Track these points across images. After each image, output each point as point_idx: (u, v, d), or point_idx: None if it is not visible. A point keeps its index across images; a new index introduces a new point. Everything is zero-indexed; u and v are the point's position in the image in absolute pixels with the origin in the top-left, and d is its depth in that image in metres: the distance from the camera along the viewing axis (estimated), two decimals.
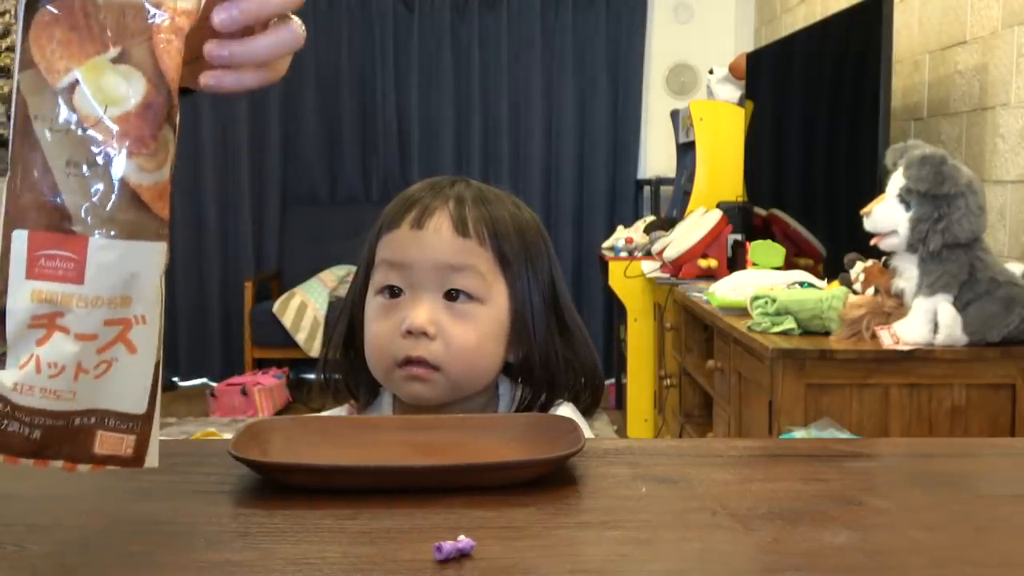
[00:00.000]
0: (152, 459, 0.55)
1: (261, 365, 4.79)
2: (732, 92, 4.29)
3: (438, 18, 5.14)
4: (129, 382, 0.54)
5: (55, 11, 0.51)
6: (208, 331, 5.20)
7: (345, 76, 5.18)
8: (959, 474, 0.79)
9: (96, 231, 0.52)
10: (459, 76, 5.18)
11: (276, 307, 4.68)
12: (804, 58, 3.23)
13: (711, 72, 4.44)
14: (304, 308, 4.68)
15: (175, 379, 5.22)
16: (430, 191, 0.96)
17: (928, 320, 1.94)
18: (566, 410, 0.99)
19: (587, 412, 1.01)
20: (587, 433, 0.98)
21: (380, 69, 5.17)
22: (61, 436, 0.53)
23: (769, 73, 3.60)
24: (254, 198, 5.20)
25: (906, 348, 1.96)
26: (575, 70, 5.18)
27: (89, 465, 0.55)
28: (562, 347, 0.98)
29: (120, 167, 0.52)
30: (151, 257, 0.54)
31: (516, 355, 0.97)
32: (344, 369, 1.02)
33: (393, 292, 0.94)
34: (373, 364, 0.96)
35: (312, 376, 5.22)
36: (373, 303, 0.96)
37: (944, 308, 1.92)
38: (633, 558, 0.59)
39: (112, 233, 0.52)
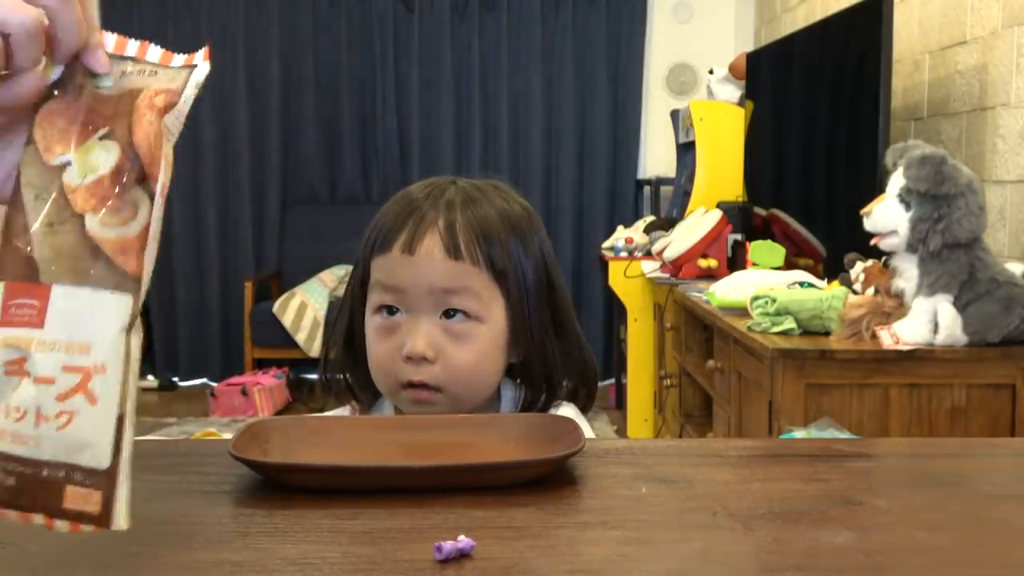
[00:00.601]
0: (120, 520, 0.55)
1: (261, 365, 4.79)
2: (732, 92, 4.29)
3: (438, 19, 5.14)
4: (91, 435, 0.55)
5: (63, 103, 0.59)
6: (208, 331, 5.20)
7: (345, 77, 5.18)
8: (959, 474, 0.79)
9: (59, 280, 0.56)
10: (459, 77, 5.18)
11: (276, 307, 4.68)
12: (804, 58, 3.23)
13: (711, 72, 4.44)
14: (304, 308, 4.68)
15: (175, 379, 5.22)
16: (424, 199, 0.95)
17: (928, 320, 1.94)
18: (567, 411, 0.99)
19: (583, 409, 1.01)
20: (588, 432, 0.98)
21: (380, 70, 5.17)
22: (34, 486, 0.55)
23: (769, 73, 3.60)
24: (254, 198, 5.20)
25: (906, 348, 1.96)
26: (575, 70, 5.18)
27: (67, 523, 0.55)
28: (558, 343, 0.98)
29: (87, 224, 0.57)
30: (111, 306, 0.57)
31: (516, 357, 0.97)
32: (345, 371, 1.02)
33: (391, 311, 0.94)
34: (379, 382, 0.97)
35: (312, 376, 5.22)
36: (372, 322, 0.96)
37: (944, 308, 1.92)
38: (633, 558, 0.59)
39: (72, 281, 0.56)
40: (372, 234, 0.97)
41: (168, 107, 0.59)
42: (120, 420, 0.56)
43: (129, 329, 0.57)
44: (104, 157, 0.58)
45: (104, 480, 0.55)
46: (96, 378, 0.56)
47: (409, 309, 0.93)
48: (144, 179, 0.59)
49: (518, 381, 1.00)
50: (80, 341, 0.56)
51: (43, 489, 0.55)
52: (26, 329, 0.56)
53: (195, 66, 0.60)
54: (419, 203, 0.96)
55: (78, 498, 0.55)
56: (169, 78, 0.60)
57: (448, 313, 0.93)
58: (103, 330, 0.56)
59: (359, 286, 0.99)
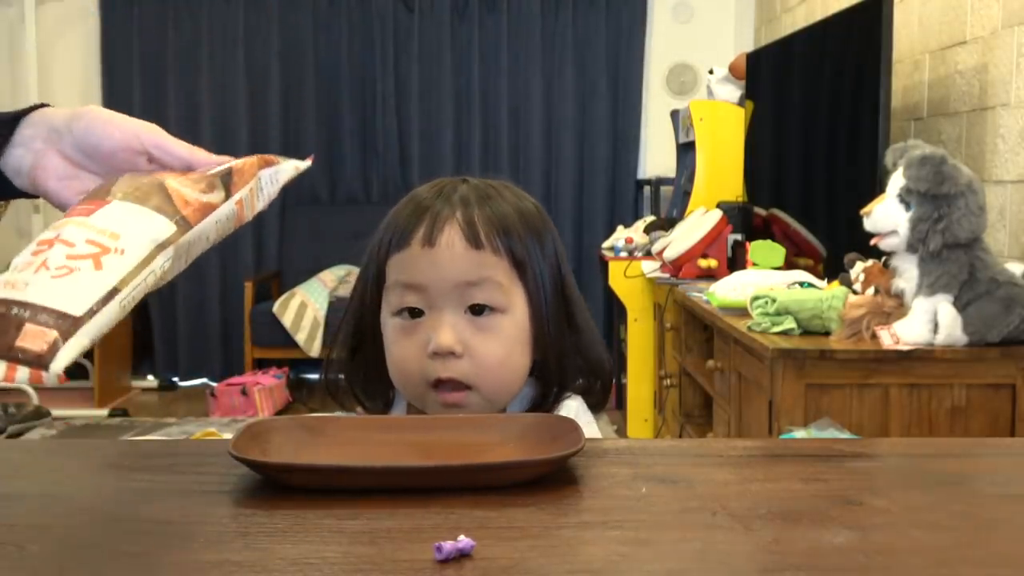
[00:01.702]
0: (58, 365, 0.57)
1: (261, 365, 4.79)
2: (732, 92, 4.29)
3: (438, 19, 5.14)
4: (81, 289, 0.60)
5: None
6: (208, 331, 5.20)
7: (345, 77, 5.18)
8: (959, 474, 0.79)
9: (122, 200, 0.67)
10: (459, 76, 5.18)
11: (276, 307, 4.68)
12: (804, 58, 3.23)
13: (711, 72, 4.44)
14: (304, 308, 4.68)
15: (175, 379, 5.22)
16: (435, 198, 0.94)
17: (928, 320, 1.94)
18: (573, 404, 0.98)
19: (598, 406, 1.00)
20: (594, 428, 0.98)
21: (380, 70, 5.17)
22: None
23: (769, 73, 3.60)
24: None
25: (906, 348, 1.96)
26: (575, 70, 5.18)
27: (2, 365, 0.57)
28: (572, 339, 0.97)
29: (167, 181, 0.71)
30: (154, 223, 0.66)
31: (537, 354, 0.96)
32: (351, 376, 1.00)
33: (413, 313, 0.92)
34: (403, 386, 0.95)
35: (312, 376, 5.22)
36: (392, 324, 0.94)
37: (944, 308, 1.92)
38: (633, 558, 0.59)
39: (133, 201, 0.66)
40: (386, 235, 0.95)
41: (268, 164, 0.77)
42: (113, 292, 0.61)
43: (161, 248, 0.65)
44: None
45: (68, 325, 0.58)
46: (112, 256, 0.62)
47: (433, 307, 0.91)
48: (229, 187, 0.73)
49: (534, 377, 0.98)
50: (113, 230, 0.64)
51: (1, 322, 0.57)
52: (75, 217, 0.64)
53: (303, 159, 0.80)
54: (432, 200, 0.94)
55: (32, 336, 0.57)
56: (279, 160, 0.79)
57: (474, 309, 0.91)
58: (137, 232, 0.64)
59: (372, 289, 0.96)
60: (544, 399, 0.97)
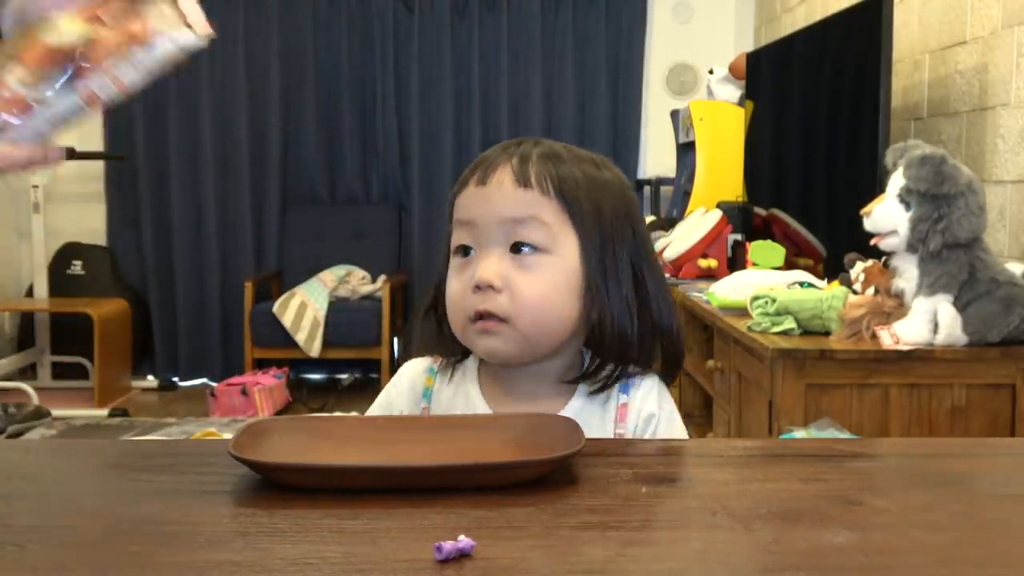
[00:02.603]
0: None
1: (261, 365, 4.79)
2: (732, 92, 4.29)
3: (438, 18, 5.14)
4: None
5: None
6: (208, 331, 5.20)
7: (345, 76, 5.18)
8: (959, 474, 0.79)
9: None
10: (459, 76, 5.18)
11: (276, 307, 4.68)
12: (804, 58, 3.23)
13: (711, 72, 4.44)
14: (304, 308, 4.68)
15: (175, 379, 5.22)
16: (500, 150, 0.97)
17: (928, 320, 1.94)
18: (652, 387, 0.97)
19: (667, 378, 0.99)
20: (676, 419, 0.97)
21: (380, 69, 5.17)
22: None
23: (769, 73, 3.60)
24: (254, 198, 5.19)
25: (906, 348, 1.96)
26: (575, 70, 5.18)
27: None
28: (638, 312, 0.95)
29: None
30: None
31: (591, 316, 0.94)
32: (429, 330, 1.02)
33: (466, 251, 0.95)
34: (452, 322, 0.96)
35: (313, 376, 5.22)
36: (452, 263, 0.97)
37: (944, 308, 1.92)
38: (633, 558, 0.59)
39: None
40: (456, 184, 0.99)
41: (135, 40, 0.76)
42: None
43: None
44: None
45: None
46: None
47: (480, 244, 0.93)
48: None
49: (588, 346, 0.97)
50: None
51: None
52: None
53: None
54: (498, 148, 0.97)
55: None
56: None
57: (517, 248, 0.92)
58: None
59: (446, 241, 0.99)
60: (600, 367, 0.96)
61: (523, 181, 0.92)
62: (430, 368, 1.02)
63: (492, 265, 0.92)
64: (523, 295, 0.91)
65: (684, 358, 1.00)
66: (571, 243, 0.93)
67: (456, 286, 0.95)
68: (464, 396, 0.99)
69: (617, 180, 0.98)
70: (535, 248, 0.92)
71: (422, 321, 1.02)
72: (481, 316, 0.92)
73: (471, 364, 1.01)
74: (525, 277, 0.91)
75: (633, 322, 0.94)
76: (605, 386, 0.96)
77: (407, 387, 1.03)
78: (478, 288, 0.92)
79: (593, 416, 0.96)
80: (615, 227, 0.95)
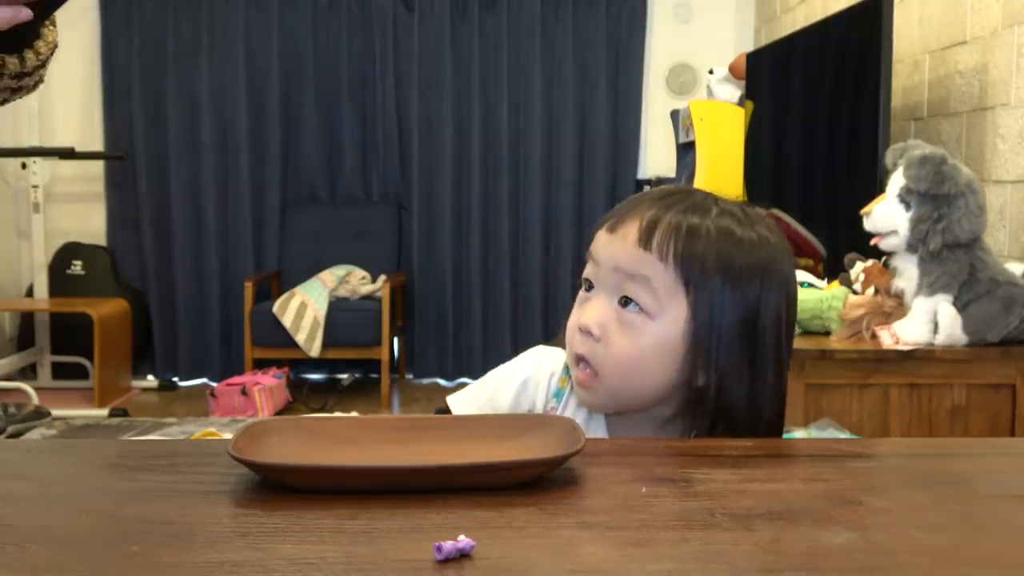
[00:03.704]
0: None
1: (261, 365, 4.79)
2: (732, 92, 4.29)
3: (438, 18, 5.14)
4: None
5: None
6: (208, 331, 5.20)
7: (345, 76, 5.18)
8: (959, 474, 0.79)
9: None
10: (459, 76, 5.18)
11: (276, 307, 4.68)
12: (804, 58, 3.23)
13: (711, 72, 4.44)
14: (304, 308, 4.68)
15: (175, 379, 5.22)
16: (650, 196, 0.97)
17: (928, 320, 1.94)
18: None
19: None
20: None
21: (380, 69, 5.17)
22: None
23: (769, 73, 3.59)
24: (254, 198, 5.19)
25: (906, 348, 1.96)
26: (575, 70, 5.18)
27: None
28: (748, 386, 0.92)
29: None
30: None
31: (699, 380, 0.92)
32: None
33: (589, 286, 0.97)
34: (566, 353, 0.99)
35: (313, 376, 5.22)
36: (580, 294, 0.99)
37: (944, 308, 1.92)
38: (633, 558, 0.59)
39: None
40: (607, 214, 1.00)
41: None
42: None
43: None
44: None
45: None
46: None
47: (598, 284, 0.95)
48: None
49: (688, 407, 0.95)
50: None
51: None
52: None
53: None
54: (648, 196, 0.97)
55: None
56: None
57: (624, 301, 0.93)
58: None
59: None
60: (699, 436, 0.94)
61: (645, 242, 0.92)
62: (566, 366, 1.02)
63: (597, 311, 0.94)
64: (614, 353, 0.92)
65: (778, 433, 0.97)
66: (678, 311, 0.91)
67: (571, 320, 0.98)
68: (585, 411, 1.00)
69: (758, 246, 0.93)
70: (639, 308, 0.92)
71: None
72: (579, 360, 0.94)
73: None
74: (621, 335, 0.92)
75: (742, 385, 0.92)
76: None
77: (545, 376, 1.03)
78: (580, 329, 0.94)
79: None
80: (740, 285, 0.91)
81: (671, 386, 0.93)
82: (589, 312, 0.94)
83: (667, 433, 0.97)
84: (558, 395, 1.02)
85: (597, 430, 0.99)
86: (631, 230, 0.93)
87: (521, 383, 1.03)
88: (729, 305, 0.91)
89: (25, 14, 0.83)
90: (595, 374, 0.93)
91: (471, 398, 1.04)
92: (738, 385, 0.92)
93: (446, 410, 1.04)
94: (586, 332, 0.93)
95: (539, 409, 1.01)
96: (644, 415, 0.96)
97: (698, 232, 0.91)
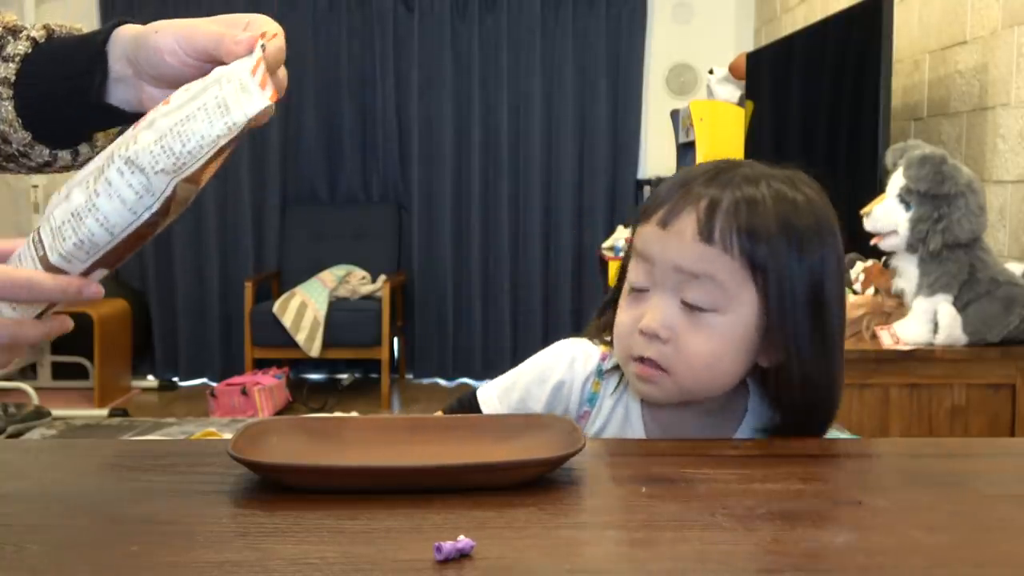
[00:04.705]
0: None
1: (261, 365, 4.79)
2: (732, 92, 4.29)
3: (438, 18, 5.14)
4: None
5: None
6: (208, 331, 5.20)
7: (345, 76, 5.18)
8: (959, 474, 0.79)
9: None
10: (459, 76, 5.18)
11: (276, 307, 4.68)
12: (804, 58, 3.23)
13: (711, 72, 4.44)
14: (304, 308, 4.68)
15: (175, 379, 5.22)
16: (697, 178, 0.90)
17: (928, 320, 1.94)
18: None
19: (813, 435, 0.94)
20: None
21: (380, 69, 5.17)
22: None
23: (769, 73, 3.60)
24: (254, 198, 5.19)
25: (906, 348, 1.96)
26: (575, 70, 5.18)
27: None
28: (814, 362, 0.90)
29: None
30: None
31: (768, 361, 0.90)
32: (599, 331, 1.00)
33: (642, 286, 0.91)
34: (616, 349, 0.94)
35: (313, 376, 5.22)
36: (625, 291, 0.93)
37: (944, 308, 1.92)
38: (633, 558, 0.59)
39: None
40: (646, 201, 0.94)
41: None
42: None
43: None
44: None
45: None
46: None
47: (655, 284, 0.89)
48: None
49: (769, 395, 0.93)
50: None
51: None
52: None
53: None
54: (695, 177, 0.90)
55: None
56: None
57: (687, 302, 0.88)
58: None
59: (628, 253, 0.95)
60: (785, 426, 0.92)
61: (706, 236, 0.86)
62: (599, 368, 0.99)
63: (660, 312, 0.88)
64: (689, 352, 0.87)
65: (827, 426, 0.94)
66: (749, 299, 0.87)
67: (625, 320, 0.91)
68: (623, 409, 0.98)
69: (809, 208, 0.91)
70: (706, 307, 0.87)
71: (598, 315, 0.99)
72: (643, 359, 0.89)
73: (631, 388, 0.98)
74: (694, 333, 0.87)
75: (808, 373, 0.89)
76: (772, 431, 0.93)
77: (580, 380, 0.99)
78: (643, 332, 0.88)
79: None
80: (807, 277, 0.88)
81: (746, 370, 0.90)
82: (652, 314, 0.88)
83: (710, 427, 0.94)
84: (591, 400, 0.99)
85: (634, 430, 0.96)
86: (687, 223, 0.87)
87: (555, 387, 0.99)
88: (798, 273, 0.87)
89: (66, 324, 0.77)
90: (663, 370, 0.89)
91: (502, 399, 1.00)
92: (805, 361, 0.89)
93: (471, 399, 1.01)
94: (652, 336, 0.88)
95: (572, 414, 0.99)
96: (692, 408, 0.93)
97: (757, 205, 0.87)
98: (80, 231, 0.66)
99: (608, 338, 0.97)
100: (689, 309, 0.88)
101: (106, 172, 0.66)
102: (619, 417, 0.97)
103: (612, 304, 0.97)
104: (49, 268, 0.68)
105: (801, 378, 0.89)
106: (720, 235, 0.86)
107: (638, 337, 0.89)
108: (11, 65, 0.77)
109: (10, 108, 0.77)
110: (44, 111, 0.77)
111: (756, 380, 0.94)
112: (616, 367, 0.98)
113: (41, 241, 0.68)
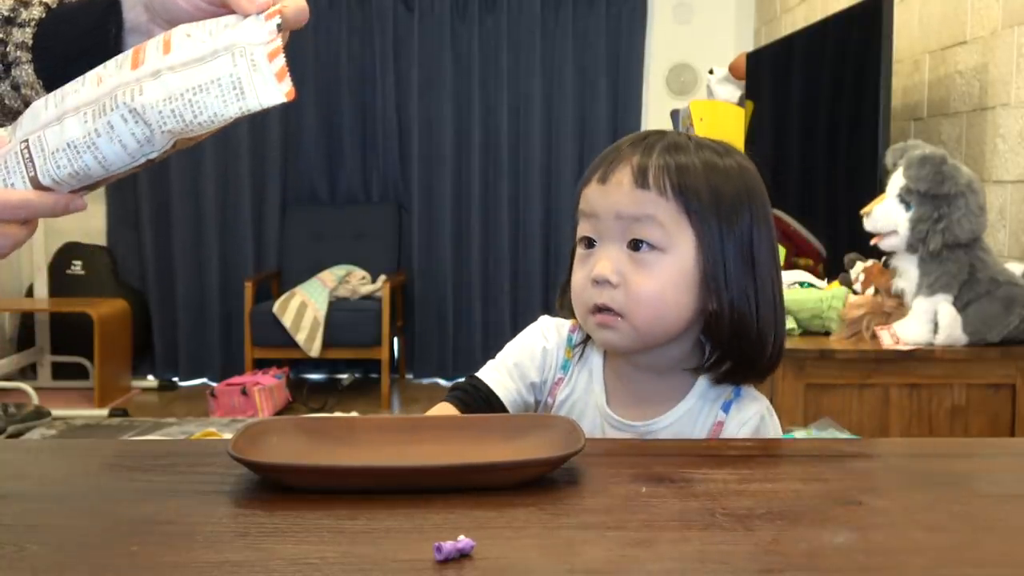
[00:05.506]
0: None
1: (261, 365, 4.79)
2: (732, 92, 4.29)
3: (438, 18, 5.14)
4: None
5: None
6: (208, 331, 5.20)
7: (345, 76, 5.18)
8: (959, 474, 0.79)
9: None
10: (459, 76, 5.18)
11: (276, 307, 4.68)
12: (804, 58, 3.23)
13: (711, 72, 4.44)
14: (304, 308, 4.68)
15: (175, 379, 5.22)
16: (625, 146, 0.99)
17: (928, 320, 1.94)
18: (753, 410, 0.98)
19: (757, 381, 1.01)
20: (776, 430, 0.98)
21: (380, 69, 5.17)
22: None
23: (769, 73, 3.60)
24: (254, 198, 5.19)
25: (906, 348, 1.96)
26: (575, 70, 5.17)
27: None
28: (756, 306, 0.97)
29: None
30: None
31: (710, 306, 0.97)
32: (564, 307, 1.06)
33: (589, 243, 0.98)
34: (576, 310, 1.00)
35: (313, 376, 5.22)
36: (577, 253, 1.01)
37: (944, 308, 1.92)
38: (633, 558, 0.59)
39: None
40: (584, 175, 1.02)
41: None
42: None
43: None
44: None
45: None
46: None
47: (601, 236, 0.97)
48: None
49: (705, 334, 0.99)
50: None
51: None
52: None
53: None
54: (623, 144, 1.00)
55: None
56: None
57: (634, 244, 0.95)
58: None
59: (574, 226, 1.03)
60: (719, 362, 0.98)
61: (641, 181, 0.95)
62: (570, 339, 1.07)
63: (609, 261, 0.95)
64: (638, 292, 0.94)
65: (777, 363, 1.00)
66: (687, 240, 0.95)
67: (578, 277, 0.99)
68: (588, 371, 1.05)
69: (738, 171, 0.99)
70: (652, 246, 0.95)
71: (561, 292, 1.06)
72: (599, 309, 0.96)
73: (596, 352, 1.05)
74: (641, 274, 0.95)
75: (751, 308, 0.96)
76: (723, 379, 0.99)
77: (556, 348, 1.07)
78: (595, 282, 0.95)
79: (692, 427, 0.98)
80: (734, 214, 0.96)
81: (693, 314, 0.96)
82: (601, 263, 0.95)
83: (670, 382, 1.00)
84: (564, 367, 1.06)
85: (596, 388, 1.03)
86: (623, 175, 0.96)
87: (542, 353, 1.07)
88: (727, 238, 0.96)
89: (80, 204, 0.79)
90: (618, 315, 0.95)
91: (511, 372, 1.06)
92: (748, 309, 0.96)
93: (476, 383, 1.05)
94: (603, 282, 0.95)
95: (550, 381, 1.06)
96: (658, 357, 0.99)
97: (687, 168, 0.95)
98: (76, 163, 0.72)
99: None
100: (636, 252, 0.95)
101: (108, 115, 0.69)
102: (584, 379, 1.04)
103: (566, 288, 1.04)
104: (38, 187, 0.74)
105: (735, 324, 0.96)
106: (654, 180, 0.95)
107: (591, 289, 0.96)
108: (27, 29, 0.79)
109: (30, 71, 0.79)
110: (64, 71, 0.79)
111: (708, 333, 0.99)
112: (586, 339, 1.05)
113: (32, 160, 0.73)
